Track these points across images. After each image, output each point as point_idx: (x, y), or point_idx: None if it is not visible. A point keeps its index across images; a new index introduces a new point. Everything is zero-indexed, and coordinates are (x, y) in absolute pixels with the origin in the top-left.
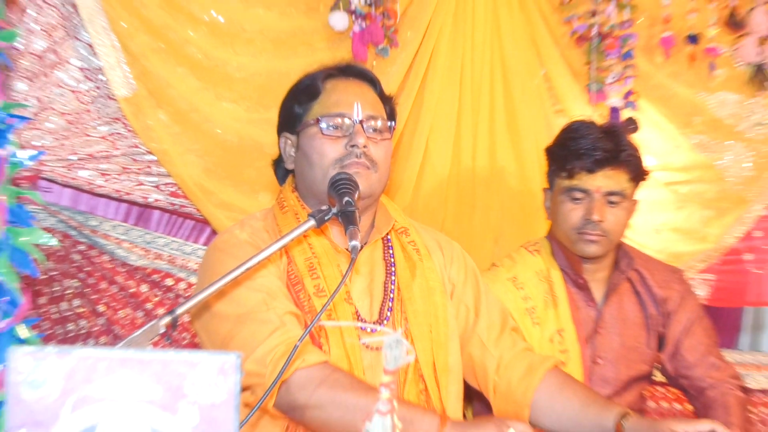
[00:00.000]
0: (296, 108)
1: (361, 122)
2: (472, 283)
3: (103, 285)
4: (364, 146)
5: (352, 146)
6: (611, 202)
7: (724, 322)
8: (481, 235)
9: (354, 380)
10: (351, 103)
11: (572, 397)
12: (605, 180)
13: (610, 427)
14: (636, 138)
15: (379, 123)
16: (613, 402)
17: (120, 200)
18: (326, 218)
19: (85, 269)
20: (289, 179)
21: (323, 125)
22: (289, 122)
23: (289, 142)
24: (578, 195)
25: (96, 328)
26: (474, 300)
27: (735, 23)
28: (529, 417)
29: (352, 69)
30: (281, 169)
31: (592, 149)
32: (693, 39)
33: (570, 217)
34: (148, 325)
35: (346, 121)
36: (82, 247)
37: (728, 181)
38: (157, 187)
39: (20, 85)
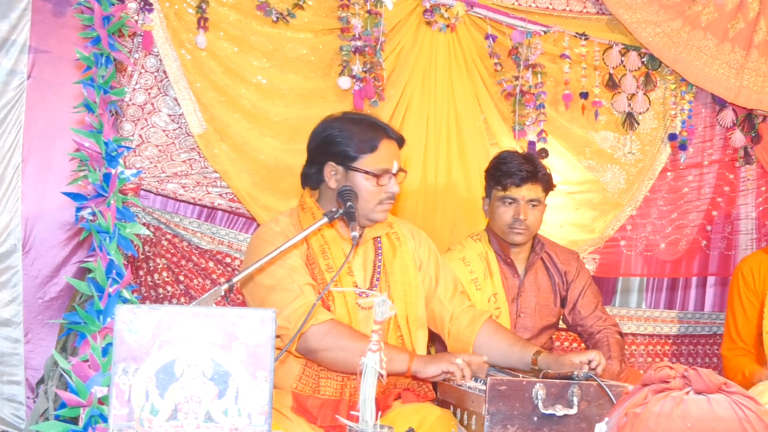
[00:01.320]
0: (350, 151)
1: (395, 174)
2: (433, 260)
3: (183, 262)
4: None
5: (389, 192)
6: (532, 206)
7: (605, 287)
8: (440, 228)
9: (352, 331)
10: (392, 161)
11: (502, 339)
12: (527, 191)
13: (529, 360)
14: (546, 162)
15: (402, 174)
16: (532, 343)
17: (195, 204)
18: (335, 216)
19: (170, 251)
20: (308, 189)
21: (381, 178)
22: (338, 157)
23: (333, 170)
24: (509, 201)
25: (177, 292)
26: (435, 271)
27: (612, 84)
28: (472, 353)
29: (396, 134)
30: (307, 179)
31: (519, 171)
32: (584, 95)
33: (504, 217)
34: (213, 290)
35: (388, 174)
36: (168, 236)
37: (609, 191)
38: (220, 195)
39: (127, 126)
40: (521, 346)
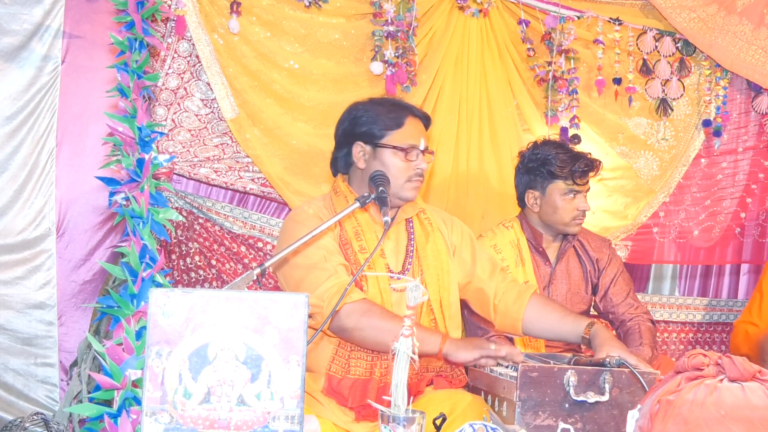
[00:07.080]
0: (375, 130)
1: (422, 151)
2: (467, 242)
3: (215, 246)
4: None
5: (418, 168)
6: (584, 196)
7: (638, 274)
8: (472, 214)
9: (385, 311)
10: (419, 138)
11: (553, 312)
12: (586, 183)
13: (581, 331)
14: (578, 149)
15: (429, 155)
16: (582, 315)
17: (227, 189)
18: (368, 201)
19: (203, 236)
20: (340, 174)
21: (409, 153)
22: (366, 137)
23: (362, 150)
24: (574, 194)
25: (210, 276)
26: (470, 254)
27: (646, 70)
28: (522, 328)
29: (421, 112)
30: (337, 163)
31: (584, 165)
32: (617, 81)
33: (568, 209)
34: (245, 274)
35: (416, 150)
36: (201, 221)
37: (641, 178)
38: (252, 180)
39: (160, 111)
40: (574, 317)
